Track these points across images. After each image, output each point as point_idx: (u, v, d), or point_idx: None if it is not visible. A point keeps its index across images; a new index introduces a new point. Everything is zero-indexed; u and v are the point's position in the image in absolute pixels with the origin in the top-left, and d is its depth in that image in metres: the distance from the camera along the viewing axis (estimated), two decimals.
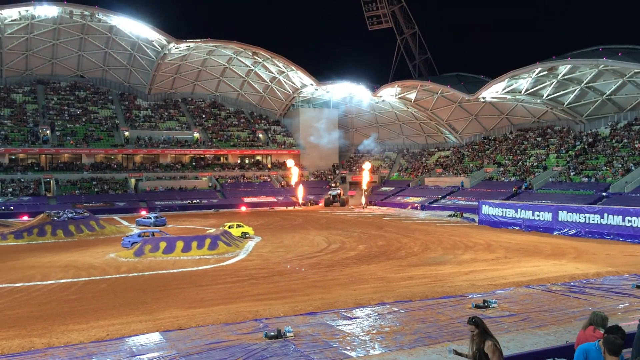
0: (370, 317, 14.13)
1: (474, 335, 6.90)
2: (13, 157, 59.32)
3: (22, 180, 56.09)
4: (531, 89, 53.81)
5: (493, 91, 55.65)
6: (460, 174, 59.67)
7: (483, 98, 57.97)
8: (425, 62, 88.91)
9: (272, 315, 14.32)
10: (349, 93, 70.29)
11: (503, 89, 54.97)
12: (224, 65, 71.83)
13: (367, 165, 66.76)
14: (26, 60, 66.89)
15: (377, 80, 70.85)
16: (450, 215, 47.51)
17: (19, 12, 58.16)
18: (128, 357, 11.13)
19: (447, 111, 65.62)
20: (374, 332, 12.75)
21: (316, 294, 17.32)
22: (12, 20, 59.59)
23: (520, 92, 55.00)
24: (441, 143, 71.92)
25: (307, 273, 21.58)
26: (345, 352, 11.23)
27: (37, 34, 62.96)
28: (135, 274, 21.70)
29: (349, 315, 14.28)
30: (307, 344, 11.69)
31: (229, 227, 32.95)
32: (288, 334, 12.20)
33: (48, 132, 61.53)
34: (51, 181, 57.49)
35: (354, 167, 73.99)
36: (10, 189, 53.88)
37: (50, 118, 64.48)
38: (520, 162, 55.60)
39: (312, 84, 70.11)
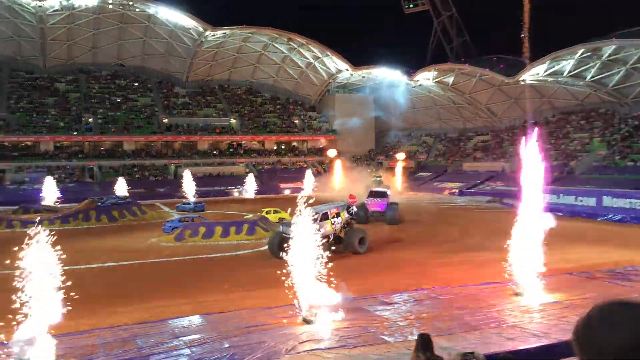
0: (407, 303, 14.09)
1: None
2: (58, 144, 61.21)
3: (67, 167, 57.87)
4: (574, 70, 52.05)
5: (534, 73, 54.12)
6: (500, 159, 58.49)
7: (523, 81, 56.42)
8: (464, 45, 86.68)
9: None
10: (384, 77, 69.49)
11: (544, 71, 53.40)
12: (259, 51, 72.03)
13: (401, 155, 65.20)
14: (68, 50, 68.53)
15: (413, 64, 69.64)
16: (489, 201, 46.71)
17: (60, 2, 59.60)
18: (171, 339, 11.44)
19: (485, 95, 64.23)
20: (412, 317, 12.72)
21: (353, 279, 17.33)
22: (54, 11, 61.08)
23: (563, 74, 53.30)
24: (479, 127, 70.47)
25: (342, 259, 21.58)
26: (383, 337, 11.25)
27: (78, 23, 64.33)
28: (177, 258, 22.20)
29: (387, 300, 14.27)
30: (344, 329, 11.76)
31: (266, 212, 33.18)
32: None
33: (90, 120, 63.20)
34: (94, 168, 59.16)
35: (391, 152, 73.36)
36: (56, 175, 55.62)
37: (92, 106, 66.16)
38: (562, 146, 54.09)
39: (347, 69, 69.69)
